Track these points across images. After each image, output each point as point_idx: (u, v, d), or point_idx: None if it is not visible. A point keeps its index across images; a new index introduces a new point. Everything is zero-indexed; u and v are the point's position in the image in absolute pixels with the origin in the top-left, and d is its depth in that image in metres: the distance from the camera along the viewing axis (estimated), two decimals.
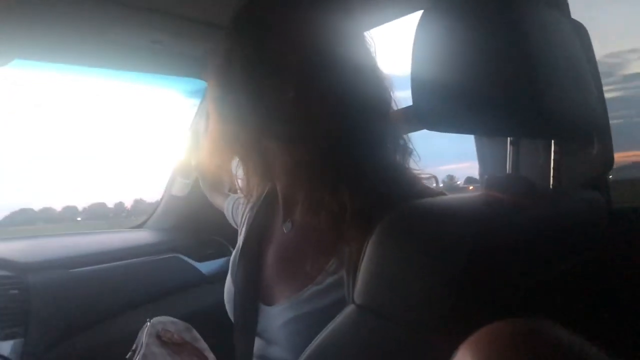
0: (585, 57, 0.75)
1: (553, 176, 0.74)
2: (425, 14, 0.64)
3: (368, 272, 0.61)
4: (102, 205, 3.01)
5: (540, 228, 0.62)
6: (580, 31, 0.86)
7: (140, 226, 2.01)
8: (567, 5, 0.92)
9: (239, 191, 0.98)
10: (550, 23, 0.67)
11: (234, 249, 1.88)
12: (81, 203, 2.97)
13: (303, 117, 0.77)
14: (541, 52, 0.61)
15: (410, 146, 0.85)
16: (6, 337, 1.26)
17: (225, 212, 1.34)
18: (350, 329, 0.60)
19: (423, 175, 0.84)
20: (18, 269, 1.38)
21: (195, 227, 1.88)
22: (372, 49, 0.85)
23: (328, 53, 0.77)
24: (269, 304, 0.86)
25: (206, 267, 1.82)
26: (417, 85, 0.65)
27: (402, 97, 0.86)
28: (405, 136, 0.85)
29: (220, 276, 1.84)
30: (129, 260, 1.63)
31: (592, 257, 0.72)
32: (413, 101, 0.66)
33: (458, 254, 0.55)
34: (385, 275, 0.60)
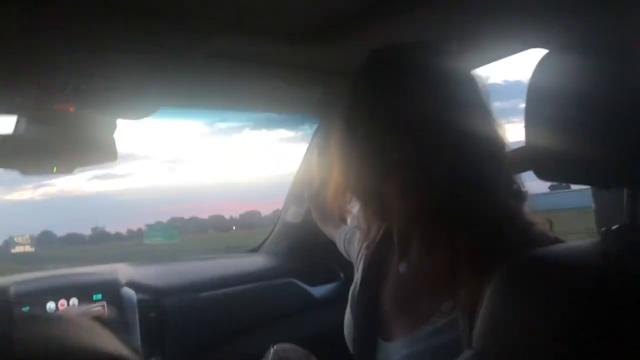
0: None
1: None
2: (544, 59, 0.67)
3: (488, 318, 0.64)
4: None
5: None
6: None
7: (256, 250, 2.13)
8: None
9: (355, 228, 1.04)
10: None
11: (344, 273, 1.96)
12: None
13: (421, 168, 0.82)
14: None
15: (525, 190, 0.86)
16: (148, 357, 1.42)
17: (337, 242, 1.40)
18: None
19: (538, 220, 0.85)
20: (156, 293, 1.54)
21: (307, 252, 1.96)
22: (483, 91, 0.89)
23: (443, 106, 0.82)
24: (387, 339, 0.91)
25: (318, 291, 1.90)
26: (532, 132, 0.68)
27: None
28: (519, 180, 0.86)
29: (331, 300, 1.92)
30: (249, 285, 1.76)
31: None
32: (527, 147, 0.68)
33: (577, 301, 0.57)
34: (506, 321, 0.62)
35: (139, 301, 1.47)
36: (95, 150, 1.25)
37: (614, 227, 0.65)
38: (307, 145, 1.83)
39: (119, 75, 1.12)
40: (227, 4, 0.99)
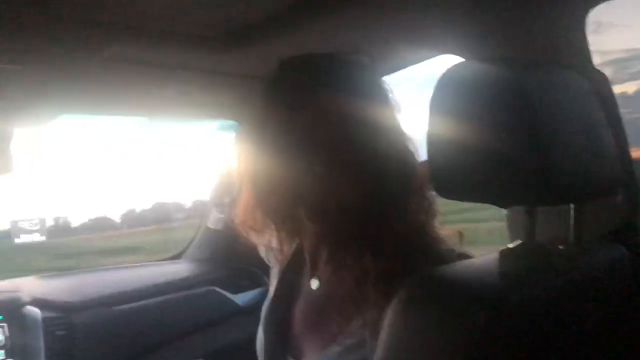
0: (604, 108, 0.75)
1: (574, 235, 0.74)
2: (440, 82, 0.66)
3: (388, 340, 0.63)
4: None
5: (554, 294, 0.63)
6: (600, 82, 0.86)
7: (177, 257, 2.06)
8: (588, 53, 0.91)
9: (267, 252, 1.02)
10: (561, 86, 0.67)
11: (268, 279, 1.92)
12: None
13: (331, 192, 0.80)
14: (551, 116, 0.61)
15: (435, 206, 0.86)
16: None
17: (260, 248, 1.37)
18: None
19: (448, 233, 0.86)
20: (63, 310, 1.44)
21: (231, 258, 1.91)
22: (394, 105, 0.87)
23: (353, 123, 0.80)
24: (297, 358, 0.89)
25: (241, 298, 1.86)
26: (434, 155, 0.67)
27: None
28: (430, 195, 0.86)
29: (255, 306, 1.88)
30: (168, 296, 1.69)
31: (611, 317, 0.72)
32: (430, 170, 0.67)
33: (473, 326, 0.57)
34: (404, 343, 0.62)
35: (44, 319, 1.37)
36: None
37: (512, 244, 0.66)
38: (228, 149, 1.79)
39: (10, 83, 1.04)
40: (132, 10, 0.93)
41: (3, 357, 1.29)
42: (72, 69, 1.09)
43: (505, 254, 0.64)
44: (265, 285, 1.94)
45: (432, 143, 0.67)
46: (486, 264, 0.67)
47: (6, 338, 1.31)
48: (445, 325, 0.58)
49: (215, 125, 1.82)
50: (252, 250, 1.42)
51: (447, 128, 0.66)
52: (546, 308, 0.62)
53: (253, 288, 1.91)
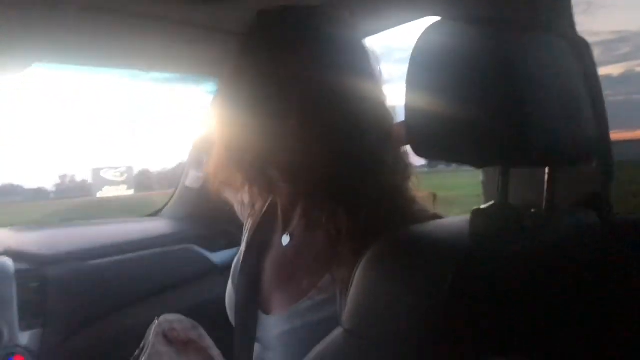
0: (584, 75, 0.75)
1: (546, 199, 0.74)
2: (418, 42, 0.65)
3: (355, 297, 0.63)
4: None
5: (523, 255, 0.63)
6: (581, 49, 0.85)
7: (155, 214, 2.05)
8: (571, 18, 0.90)
9: (240, 208, 1.01)
10: (542, 46, 0.66)
11: None
12: None
13: (305, 149, 0.79)
14: (529, 78, 0.61)
15: (410, 165, 0.86)
16: (25, 328, 1.33)
17: (236, 207, 1.37)
18: (337, 353, 0.62)
19: (421, 194, 0.86)
20: (37, 262, 1.43)
21: (208, 217, 1.90)
22: (375, 62, 0.86)
23: (331, 76, 0.78)
24: (267, 312, 0.90)
25: (218, 257, 1.86)
26: (411, 113, 0.66)
27: None
28: (406, 155, 0.86)
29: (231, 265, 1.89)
30: (145, 252, 1.68)
31: (579, 280, 0.73)
32: (407, 129, 0.66)
33: (440, 284, 0.57)
34: (371, 301, 0.62)
35: (17, 271, 1.36)
36: None
37: (485, 205, 0.66)
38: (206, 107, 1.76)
39: None
40: None
41: None
42: (47, 17, 1.05)
43: (476, 214, 0.64)
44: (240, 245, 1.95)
45: (409, 103, 0.66)
46: (456, 224, 0.67)
47: None
48: (411, 282, 0.58)
49: (193, 81, 1.79)
50: (229, 210, 1.42)
51: (424, 87, 0.65)
52: (514, 269, 0.62)
53: (230, 247, 1.91)
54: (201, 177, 1.81)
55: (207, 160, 1.54)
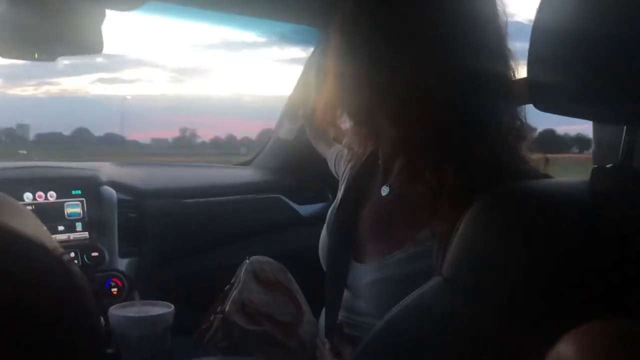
0: None
1: None
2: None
3: (460, 247, 0.61)
4: None
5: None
6: None
7: (247, 164, 2.10)
8: None
9: (345, 148, 1.00)
10: None
11: (332, 195, 1.93)
12: None
13: (417, 98, 0.76)
14: None
15: (526, 127, 0.81)
16: (124, 255, 1.41)
17: (329, 162, 1.36)
18: (435, 299, 0.61)
19: (534, 157, 0.80)
20: (137, 195, 1.51)
21: (298, 169, 1.92)
22: (502, 21, 0.81)
23: (452, 32, 0.75)
24: (360, 261, 0.89)
25: (305, 209, 1.88)
26: (534, 63, 0.62)
27: None
28: (522, 116, 0.81)
29: (317, 220, 1.90)
30: (236, 197, 1.73)
31: None
32: (529, 80, 0.62)
33: (554, 239, 0.54)
34: (476, 252, 0.60)
35: (120, 200, 1.44)
36: (80, 39, 1.17)
37: (608, 165, 0.61)
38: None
39: None
40: None
41: (80, 229, 1.38)
42: None
43: (597, 174, 0.59)
44: (329, 200, 1.95)
45: (535, 51, 0.61)
46: (572, 182, 0.62)
47: (84, 212, 1.39)
48: (522, 234, 0.55)
49: (295, 33, 1.78)
50: (320, 164, 1.42)
51: (551, 39, 0.60)
52: (636, 230, 0.57)
53: (317, 201, 1.93)
54: (294, 130, 1.82)
55: (302, 113, 1.55)
